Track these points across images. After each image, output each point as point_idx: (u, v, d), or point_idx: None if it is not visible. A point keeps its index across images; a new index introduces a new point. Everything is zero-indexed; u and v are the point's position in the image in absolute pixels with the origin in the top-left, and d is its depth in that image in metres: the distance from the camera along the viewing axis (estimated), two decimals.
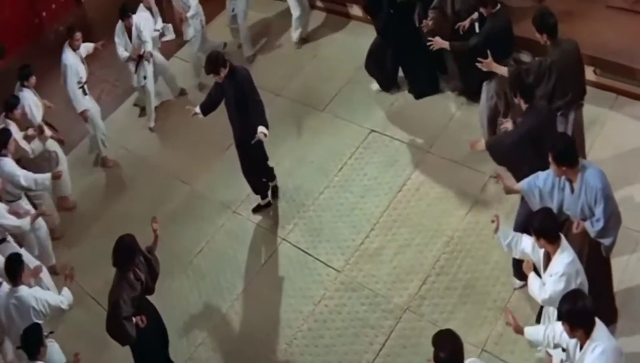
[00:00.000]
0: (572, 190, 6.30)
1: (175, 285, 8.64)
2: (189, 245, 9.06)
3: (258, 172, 9.00)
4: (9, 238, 8.21)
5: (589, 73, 9.33)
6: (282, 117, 10.22)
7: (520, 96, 7.01)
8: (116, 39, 10.40)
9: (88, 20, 13.60)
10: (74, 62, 9.85)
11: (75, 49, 9.91)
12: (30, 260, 8.08)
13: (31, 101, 9.39)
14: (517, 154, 7.08)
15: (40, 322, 6.85)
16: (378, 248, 8.42)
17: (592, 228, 6.29)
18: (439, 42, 8.57)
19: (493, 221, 6.47)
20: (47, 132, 9.46)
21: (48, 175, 8.67)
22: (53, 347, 7.22)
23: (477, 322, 7.46)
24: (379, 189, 9.06)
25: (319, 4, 12.17)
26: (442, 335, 5.31)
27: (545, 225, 5.85)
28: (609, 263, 6.79)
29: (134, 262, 6.73)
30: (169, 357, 7.58)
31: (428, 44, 8.72)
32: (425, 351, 5.96)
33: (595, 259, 6.51)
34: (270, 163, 9.05)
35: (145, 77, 10.58)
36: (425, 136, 9.51)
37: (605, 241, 6.37)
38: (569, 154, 6.17)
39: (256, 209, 9.27)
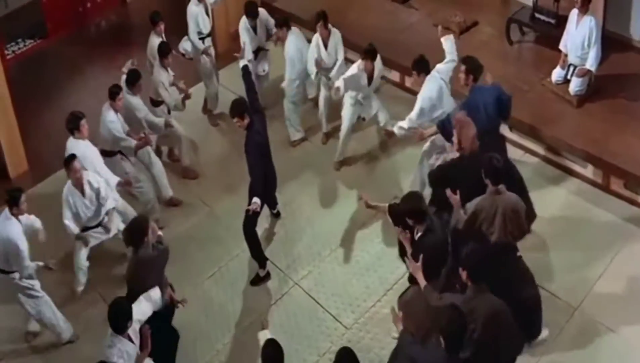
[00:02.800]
0: None
1: None
2: (202, 266, 9.05)
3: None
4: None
5: (619, 186, 9.52)
6: (308, 162, 10.33)
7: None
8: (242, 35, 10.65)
9: (130, 21, 13.66)
10: (195, 12, 10.57)
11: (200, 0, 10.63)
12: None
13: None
14: None
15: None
16: (388, 315, 8.42)
17: None
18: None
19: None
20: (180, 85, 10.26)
21: (162, 120, 9.67)
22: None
23: None
24: (397, 257, 9.10)
25: None
26: None
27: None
28: None
29: (143, 242, 7.10)
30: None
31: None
32: None
33: None
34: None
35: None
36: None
37: None
38: None
39: (254, 282, 8.86)
